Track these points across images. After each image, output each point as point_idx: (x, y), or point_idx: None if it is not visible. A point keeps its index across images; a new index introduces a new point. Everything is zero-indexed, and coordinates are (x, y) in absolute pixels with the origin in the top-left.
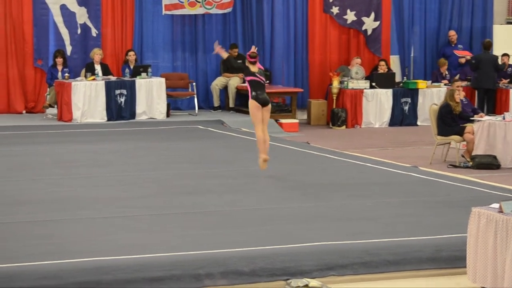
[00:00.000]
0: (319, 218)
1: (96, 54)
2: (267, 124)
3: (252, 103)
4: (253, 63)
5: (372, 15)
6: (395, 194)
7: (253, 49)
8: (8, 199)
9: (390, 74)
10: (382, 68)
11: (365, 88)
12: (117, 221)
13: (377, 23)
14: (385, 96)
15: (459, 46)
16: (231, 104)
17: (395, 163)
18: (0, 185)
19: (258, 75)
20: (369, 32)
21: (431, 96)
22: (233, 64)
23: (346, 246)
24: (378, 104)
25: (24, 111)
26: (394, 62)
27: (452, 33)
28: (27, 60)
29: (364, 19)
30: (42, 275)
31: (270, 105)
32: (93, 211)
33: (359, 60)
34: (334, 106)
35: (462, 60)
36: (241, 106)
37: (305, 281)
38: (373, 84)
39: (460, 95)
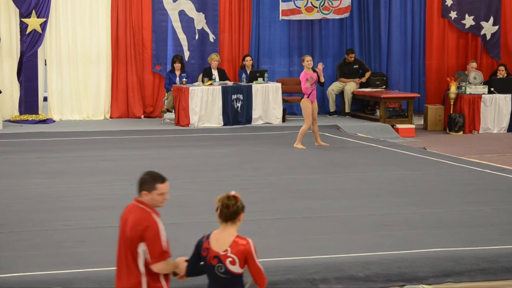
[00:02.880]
0: (436, 224)
1: (214, 61)
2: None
3: (307, 102)
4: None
5: (491, 19)
6: None
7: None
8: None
9: (510, 79)
10: (501, 73)
11: (483, 93)
12: None
13: (496, 27)
14: (504, 101)
15: None
16: (347, 109)
17: None
18: (121, 189)
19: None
20: (488, 37)
21: None
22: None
23: (463, 252)
24: (496, 109)
25: (142, 116)
26: None
27: None
28: (146, 65)
29: (483, 23)
30: None
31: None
32: (209, 215)
33: (474, 64)
34: (451, 111)
35: None
36: (357, 111)
37: (420, 287)
38: (492, 89)
39: None
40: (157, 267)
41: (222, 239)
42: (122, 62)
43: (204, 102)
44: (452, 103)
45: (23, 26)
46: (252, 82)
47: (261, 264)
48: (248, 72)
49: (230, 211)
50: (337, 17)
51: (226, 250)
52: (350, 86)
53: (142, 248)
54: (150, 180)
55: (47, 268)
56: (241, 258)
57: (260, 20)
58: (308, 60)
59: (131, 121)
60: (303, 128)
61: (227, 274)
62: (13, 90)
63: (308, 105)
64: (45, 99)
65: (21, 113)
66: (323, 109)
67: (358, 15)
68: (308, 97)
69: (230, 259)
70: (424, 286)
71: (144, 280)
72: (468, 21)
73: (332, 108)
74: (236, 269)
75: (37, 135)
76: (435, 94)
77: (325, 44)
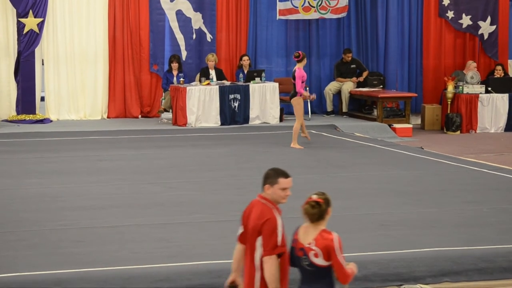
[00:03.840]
0: (433, 224)
1: (210, 61)
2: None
3: (300, 100)
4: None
5: (489, 19)
6: None
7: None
8: (127, 202)
9: (507, 79)
10: (499, 73)
11: (481, 93)
12: (230, 225)
13: (494, 27)
14: (501, 101)
15: None
16: (344, 109)
17: None
18: (118, 188)
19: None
20: (485, 37)
21: None
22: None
23: (461, 252)
24: (493, 109)
25: (139, 116)
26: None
27: None
28: (143, 65)
29: (480, 23)
30: (156, 278)
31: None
32: (207, 214)
33: (472, 64)
34: (448, 111)
35: None
36: (355, 110)
37: (418, 287)
38: (489, 88)
39: None
40: (267, 261)
41: (308, 232)
42: (119, 62)
43: (202, 102)
44: (449, 102)
45: (20, 26)
46: (250, 82)
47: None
48: (246, 72)
49: (317, 216)
50: (335, 16)
51: (310, 243)
52: (348, 86)
53: (259, 242)
54: (273, 175)
55: (44, 268)
56: (325, 252)
57: (257, 20)
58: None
59: (128, 121)
60: (296, 126)
61: (311, 266)
62: (10, 90)
63: (300, 103)
64: (42, 99)
65: (18, 113)
66: (320, 109)
67: (356, 14)
68: (301, 95)
69: (313, 252)
70: (422, 285)
71: (258, 275)
72: (465, 20)
73: (329, 107)
74: (320, 261)
75: (35, 135)
76: (433, 94)
77: (323, 43)
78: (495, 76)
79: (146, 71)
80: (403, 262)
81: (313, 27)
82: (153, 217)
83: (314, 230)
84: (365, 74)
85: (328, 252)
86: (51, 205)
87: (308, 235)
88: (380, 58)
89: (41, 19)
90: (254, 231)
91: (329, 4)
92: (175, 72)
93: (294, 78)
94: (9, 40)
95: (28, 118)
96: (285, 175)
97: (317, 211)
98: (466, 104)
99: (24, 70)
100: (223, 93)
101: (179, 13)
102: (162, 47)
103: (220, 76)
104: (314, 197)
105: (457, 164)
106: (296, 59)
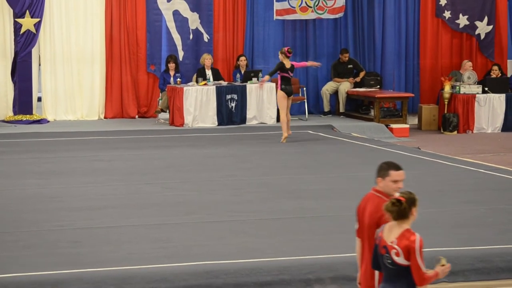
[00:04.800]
0: (431, 224)
1: (206, 59)
2: (289, 108)
3: (280, 93)
4: (288, 58)
5: (485, 19)
6: (509, 200)
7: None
8: (124, 202)
9: (504, 79)
10: (495, 73)
11: (478, 93)
12: (227, 226)
13: (490, 27)
14: (498, 101)
15: None
16: (341, 109)
17: (509, 169)
18: (115, 188)
19: (289, 72)
20: (482, 37)
21: None
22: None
23: (458, 252)
24: (490, 109)
25: (136, 116)
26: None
27: None
28: (140, 65)
29: (477, 23)
30: (153, 278)
31: (292, 95)
32: (204, 215)
33: (469, 64)
34: (445, 111)
35: None
36: (352, 111)
37: None
38: (486, 88)
39: None
40: None
41: (392, 230)
42: (116, 62)
43: (199, 102)
44: (446, 102)
45: (17, 26)
46: (247, 82)
47: (255, 264)
48: (243, 72)
49: (396, 214)
50: (331, 16)
51: (393, 241)
52: (345, 86)
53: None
54: (385, 167)
55: (41, 268)
56: (405, 252)
57: (254, 20)
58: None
59: (125, 121)
60: (282, 117)
61: (393, 265)
62: (7, 90)
63: (281, 95)
64: (39, 99)
65: (15, 113)
66: (317, 109)
67: (352, 14)
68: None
69: (395, 250)
70: None
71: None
72: (462, 20)
73: (326, 108)
74: (401, 260)
75: (31, 136)
76: (429, 94)
77: (320, 44)
78: (492, 76)
79: (143, 71)
80: None
81: (310, 27)
82: (150, 217)
83: (398, 229)
84: (362, 74)
85: (409, 252)
86: (48, 206)
87: (391, 233)
88: (377, 58)
89: (38, 20)
90: (371, 224)
91: (326, 4)
92: (172, 72)
93: (292, 71)
94: (6, 41)
95: (25, 119)
96: (396, 168)
97: (396, 208)
98: (463, 104)
99: (21, 71)
100: (220, 93)
101: (176, 13)
102: (159, 47)
103: (217, 76)
104: (398, 195)
105: (454, 164)
106: (290, 54)
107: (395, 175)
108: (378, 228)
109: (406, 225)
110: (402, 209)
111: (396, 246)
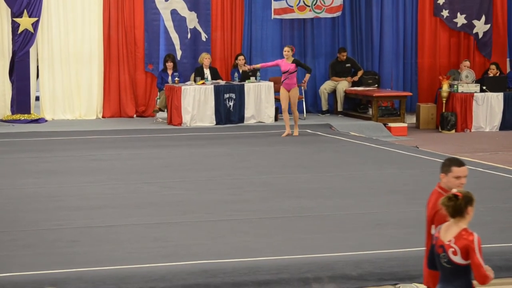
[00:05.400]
0: None
1: (205, 59)
2: (296, 104)
3: (283, 89)
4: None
5: (483, 18)
6: (507, 199)
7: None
8: (122, 202)
9: (502, 78)
10: (493, 72)
11: (476, 92)
12: (225, 225)
13: (488, 26)
14: (496, 99)
15: None
16: (339, 108)
17: (507, 167)
18: (113, 188)
19: (290, 69)
20: (480, 36)
21: None
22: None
23: None
24: (488, 108)
25: (134, 115)
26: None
27: None
28: (138, 64)
29: (475, 22)
30: (151, 277)
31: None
32: (202, 214)
33: (467, 63)
34: (443, 110)
35: None
36: (350, 110)
37: (414, 286)
38: (484, 87)
39: None
40: None
41: (450, 229)
42: (114, 62)
43: (197, 101)
44: (444, 101)
45: (14, 26)
46: (245, 81)
47: (253, 263)
48: (241, 71)
49: (452, 210)
50: (329, 16)
51: (450, 240)
52: (343, 85)
53: (433, 230)
54: (447, 163)
55: (40, 268)
56: (463, 251)
57: (252, 19)
58: (285, 51)
59: (123, 121)
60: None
61: (450, 264)
62: (5, 89)
63: (282, 92)
64: (37, 98)
65: (13, 112)
66: (315, 108)
67: (350, 13)
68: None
69: (452, 249)
70: (417, 284)
71: None
72: (460, 19)
73: (324, 107)
74: (458, 259)
75: (29, 135)
76: (427, 93)
77: (317, 43)
78: (490, 75)
79: (141, 71)
80: (399, 261)
81: (308, 26)
82: (149, 216)
83: (455, 228)
84: (360, 73)
85: (467, 252)
86: (47, 205)
87: (448, 233)
88: (375, 57)
89: (36, 19)
90: (429, 219)
91: (324, 3)
92: (170, 72)
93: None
94: (4, 40)
95: (23, 118)
96: (459, 164)
97: (452, 204)
98: (461, 103)
99: (19, 70)
100: (218, 92)
101: (174, 13)
102: (157, 47)
103: (215, 75)
104: (455, 190)
105: None
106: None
107: (457, 171)
108: (432, 224)
109: (463, 224)
110: (457, 204)
111: (453, 245)
